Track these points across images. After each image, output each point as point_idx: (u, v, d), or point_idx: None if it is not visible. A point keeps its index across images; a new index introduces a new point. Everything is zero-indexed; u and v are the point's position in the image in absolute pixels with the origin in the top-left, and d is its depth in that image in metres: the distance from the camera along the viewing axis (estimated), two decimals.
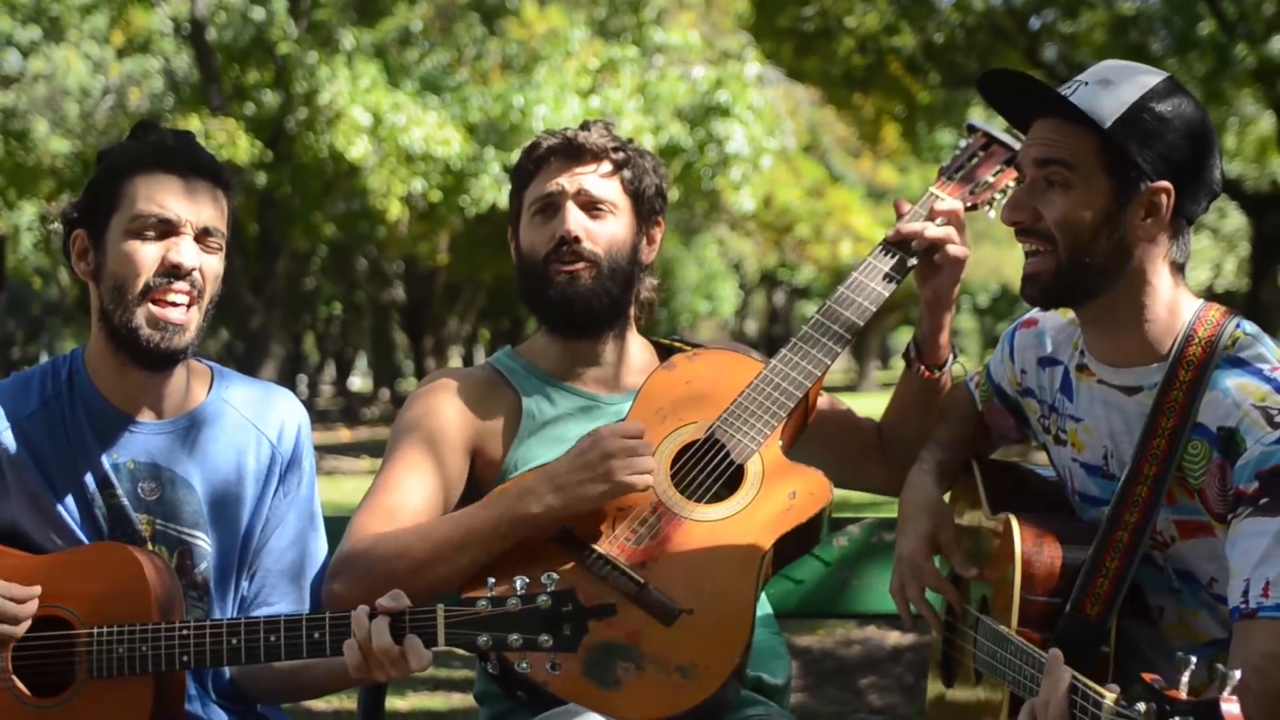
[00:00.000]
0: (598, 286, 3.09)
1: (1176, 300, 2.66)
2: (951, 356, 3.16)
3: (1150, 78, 2.61)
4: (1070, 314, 2.84)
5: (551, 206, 3.11)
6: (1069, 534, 2.66)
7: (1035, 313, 2.95)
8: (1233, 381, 2.54)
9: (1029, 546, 2.63)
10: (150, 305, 2.80)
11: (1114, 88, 2.58)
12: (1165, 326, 2.64)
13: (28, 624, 2.67)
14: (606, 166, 3.14)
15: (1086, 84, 2.60)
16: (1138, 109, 2.57)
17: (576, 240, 3.07)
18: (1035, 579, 2.61)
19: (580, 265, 3.08)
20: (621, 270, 3.12)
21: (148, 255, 2.80)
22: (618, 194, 3.14)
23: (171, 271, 2.80)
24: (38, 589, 2.69)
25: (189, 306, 2.82)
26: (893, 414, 3.26)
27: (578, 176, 3.11)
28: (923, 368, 3.14)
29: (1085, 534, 2.65)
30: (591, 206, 3.11)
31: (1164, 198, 2.59)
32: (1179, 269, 2.67)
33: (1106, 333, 2.69)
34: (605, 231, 3.11)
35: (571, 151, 3.12)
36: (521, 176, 3.18)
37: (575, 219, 3.09)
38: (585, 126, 3.16)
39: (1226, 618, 2.61)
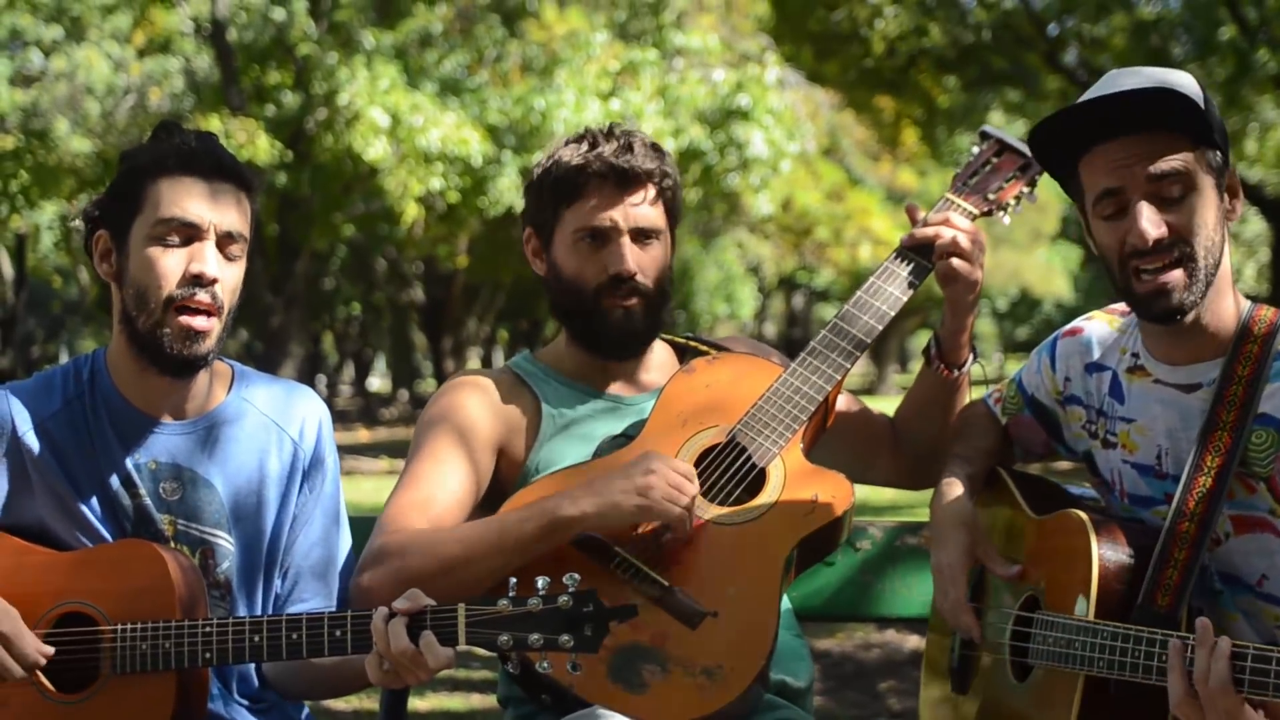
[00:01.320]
0: (649, 317, 3.11)
1: (1232, 297, 2.70)
2: (971, 358, 3.16)
3: (1187, 73, 2.68)
4: (1118, 323, 2.88)
5: (603, 237, 3.08)
6: (1131, 530, 2.69)
7: (1078, 322, 2.98)
8: None
9: (1103, 541, 2.65)
10: (178, 317, 2.79)
11: (1185, 90, 2.61)
12: (1224, 323, 2.69)
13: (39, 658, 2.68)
14: (653, 192, 3.11)
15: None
16: (1205, 103, 2.61)
17: (632, 276, 3.07)
18: (1109, 573, 2.63)
19: (634, 300, 3.08)
20: (664, 291, 3.14)
21: (170, 265, 2.79)
22: (662, 219, 3.13)
23: (194, 281, 2.79)
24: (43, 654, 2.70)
25: (210, 315, 2.81)
26: (908, 409, 3.26)
27: (631, 210, 3.08)
28: (942, 365, 3.14)
29: (1144, 531, 2.68)
30: (642, 237, 3.10)
31: (1235, 178, 2.68)
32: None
33: (1173, 331, 2.70)
34: (653, 259, 3.11)
35: (623, 180, 3.07)
36: (562, 191, 3.11)
37: (632, 256, 3.08)
38: (628, 147, 3.09)
39: (1268, 624, 2.63)
